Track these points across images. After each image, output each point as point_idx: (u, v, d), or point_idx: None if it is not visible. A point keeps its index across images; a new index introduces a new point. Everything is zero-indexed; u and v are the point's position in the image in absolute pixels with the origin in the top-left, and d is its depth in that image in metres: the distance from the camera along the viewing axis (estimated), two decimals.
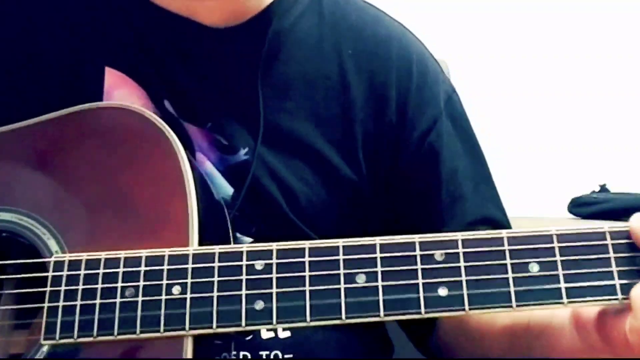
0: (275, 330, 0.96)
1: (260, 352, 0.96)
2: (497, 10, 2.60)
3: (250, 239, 0.98)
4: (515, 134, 2.55)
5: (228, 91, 1.01)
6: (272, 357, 0.96)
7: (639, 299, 0.72)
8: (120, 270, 0.79)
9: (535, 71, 2.61)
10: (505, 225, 1.08)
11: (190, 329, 0.77)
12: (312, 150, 1.01)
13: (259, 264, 0.78)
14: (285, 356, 0.96)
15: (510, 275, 0.75)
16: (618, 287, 0.74)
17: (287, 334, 0.96)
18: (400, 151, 1.04)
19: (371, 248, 0.77)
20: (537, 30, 2.62)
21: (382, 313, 0.75)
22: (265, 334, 0.96)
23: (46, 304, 0.79)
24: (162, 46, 1.00)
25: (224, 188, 0.98)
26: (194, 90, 1.00)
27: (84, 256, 0.81)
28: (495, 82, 2.57)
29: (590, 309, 0.77)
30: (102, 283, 0.79)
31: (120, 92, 0.98)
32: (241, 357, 0.95)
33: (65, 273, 0.80)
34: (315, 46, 1.05)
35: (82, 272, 0.80)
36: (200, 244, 0.82)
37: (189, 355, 0.77)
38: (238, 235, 0.98)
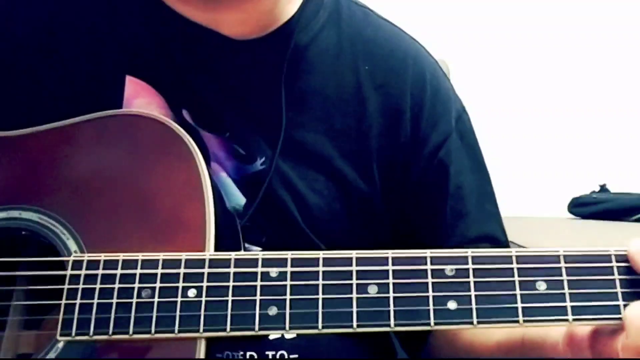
0: None
1: (267, 352, 0.98)
2: (497, 10, 2.61)
3: (259, 249, 1.00)
4: (515, 134, 2.56)
5: (248, 102, 1.02)
6: (278, 357, 0.98)
7: (631, 318, 0.74)
8: (138, 271, 0.81)
9: (535, 71, 2.62)
10: (504, 243, 1.12)
11: (204, 331, 0.79)
12: (327, 162, 1.03)
13: (273, 271, 0.80)
14: (291, 356, 0.98)
15: (518, 292, 0.77)
16: (622, 307, 0.76)
17: (293, 335, 0.98)
18: (412, 165, 1.06)
19: (383, 260, 0.80)
20: (537, 31, 2.63)
21: (392, 323, 0.77)
22: (272, 335, 0.98)
23: (64, 301, 0.81)
24: (184, 56, 1.02)
25: (236, 197, 1.00)
26: (214, 100, 1.01)
27: (102, 256, 0.83)
28: (495, 82, 2.58)
29: (584, 327, 0.79)
30: (120, 283, 0.81)
31: (140, 100, 1.00)
32: (248, 357, 0.97)
33: (83, 272, 0.82)
34: (333, 61, 1.06)
35: (100, 271, 0.82)
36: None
37: (202, 357, 0.79)
38: (247, 245, 0.99)
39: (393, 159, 1.06)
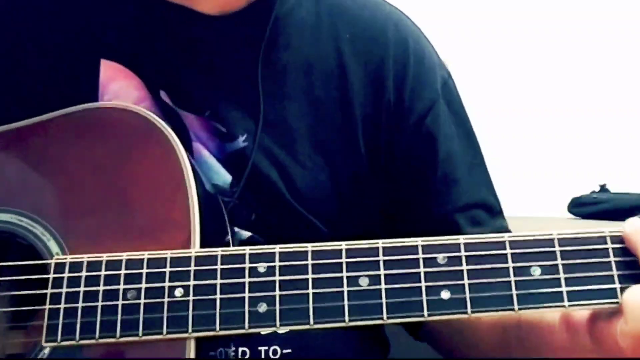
0: None
1: (259, 348, 0.96)
2: (497, 10, 2.60)
3: (249, 233, 0.99)
4: (515, 134, 2.55)
5: (227, 78, 1.01)
6: (270, 352, 0.96)
7: (630, 303, 0.72)
8: (122, 272, 0.79)
9: (535, 71, 2.61)
10: (497, 208, 1.10)
11: (193, 331, 0.77)
12: (311, 134, 1.02)
13: (261, 267, 0.78)
14: (284, 351, 0.96)
15: (512, 278, 0.75)
16: (618, 290, 0.74)
17: (286, 329, 0.96)
18: (398, 134, 1.05)
19: (374, 251, 0.78)
20: (537, 31, 2.62)
21: (385, 316, 0.75)
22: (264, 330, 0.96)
23: (47, 306, 0.79)
24: (159, 36, 1.01)
25: (222, 176, 0.99)
26: (192, 79, 1.00)
27: (85, 258, 0.81)
28: (496, 82, 2.57)
29: (582, 310, 0.77)
30: (104, 285, 0.79)
31: (116, 84, 0.99)
32: (240, 353, 0.95)
33: (66, 275, 0.80)
34: (313, 31, 1.05)
35: (84, 273, 0.80)
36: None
37: (192, 356, 0.77)
38: (236, 229, 0.98)
39: (378, 128, 1.04)
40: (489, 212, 1.07)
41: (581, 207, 2.38)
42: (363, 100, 1.04)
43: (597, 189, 2.48)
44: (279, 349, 0.96)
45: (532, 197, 2.45)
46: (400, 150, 1.05)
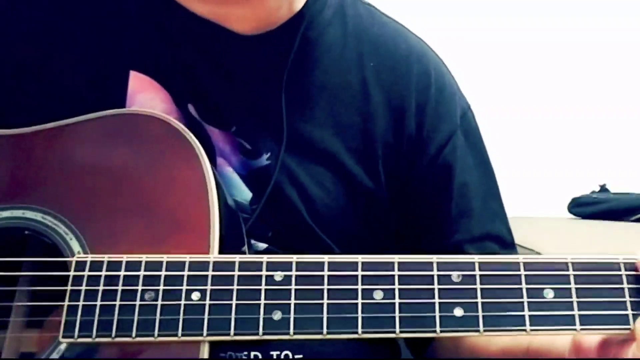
0: None
1: (271, 352, 0.97)
2: (497, 10, 2.60)
3: (265, 245, 1.00)
4: (515, 134, 2.55)
5: (254, 97, 1.02)
6: (282, 357, 0.97)
7: None
8: (141, 273, 0.81)
9: (535, 71, 2.62)
10: (509, 241, 1.11)
11: (208, 335, 0.78)
12: (332, 158, 1.03)
13: (278, 275, 0.79)
14: (296, 356, 0.98)
15: (525, 299, 0.77)
16: (631, 317, 0.76)
17: None
18: (416, 163, 1.06)
19: (389, 265, 0.79)
20: (537, 31, 2.62)
21: (397, 330, 0.77)
22: None
23: (66, 302, 0.80)
24: (190, 50, 1.02)
25: (242, 192, 1.00)
26: (220, 95, 1.01)
27: (105, 257, 0.82)
28: (495, 82, 2.57)
29: (592, 337, 0.79)
30: (123, 285, 0.80)
31: (144, 95, 0.99)
32: (252, 356, 0.96)
33: (86, 273, 0.81)
34: (339, 57, 1.06)
35: (103, 273, 0.81)
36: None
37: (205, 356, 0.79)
38: (252, 241, 0.99)
39: (398, 156, 1.06)
40: (500, 245, 1.09)
41: (581, 207, 2.40)
42: (384, 128, 1.05)
43: (597, 189, 2.49)
44: (290, 354, 0.97)
45: (532, 197, 2.46)
46: (417, 178, 1.06)
